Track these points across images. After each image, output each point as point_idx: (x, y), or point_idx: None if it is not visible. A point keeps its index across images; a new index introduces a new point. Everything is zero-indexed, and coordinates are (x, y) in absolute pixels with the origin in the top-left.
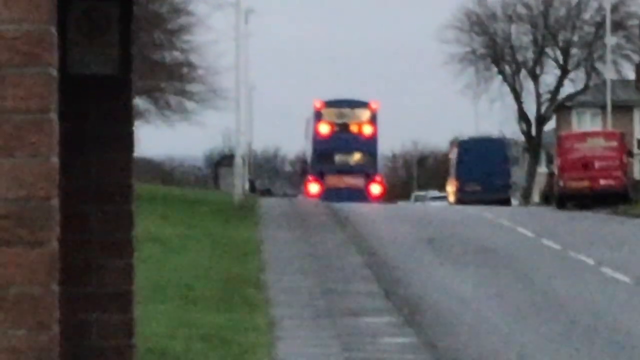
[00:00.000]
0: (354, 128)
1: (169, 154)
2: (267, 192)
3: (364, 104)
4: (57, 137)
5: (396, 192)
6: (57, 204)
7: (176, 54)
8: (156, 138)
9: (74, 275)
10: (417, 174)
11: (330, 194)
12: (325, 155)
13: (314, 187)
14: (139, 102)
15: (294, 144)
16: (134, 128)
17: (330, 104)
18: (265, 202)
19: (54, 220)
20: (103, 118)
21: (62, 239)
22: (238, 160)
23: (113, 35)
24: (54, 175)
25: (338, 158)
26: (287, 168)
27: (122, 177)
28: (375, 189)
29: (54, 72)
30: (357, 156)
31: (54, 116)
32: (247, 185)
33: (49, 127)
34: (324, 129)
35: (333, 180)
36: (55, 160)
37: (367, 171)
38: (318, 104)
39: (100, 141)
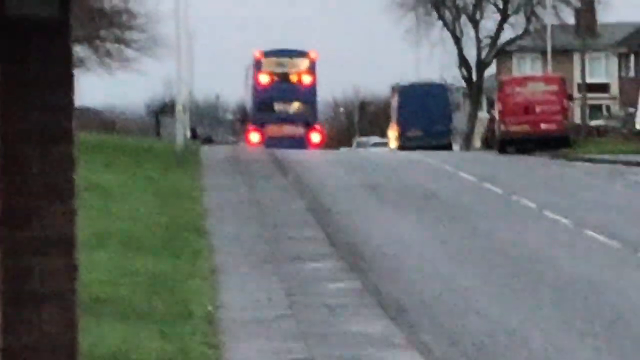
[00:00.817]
0: (293, 78)
1: (110, 102)
2: (209, 140)
3: (303, 54)
4: None
5: (338, 138)
6: None
7: (115, 1)
8: (97, 87)
9: (15, 219)
10: (359, 120)
11: (270, 143)
12: (265, 105)
13: (254, 136)
14: (79, 50)
15: (236, 91)
16: (73, 71)
17: (269, 53)
18: (207, 150)
19: None
20: (42, 60)
21: (3, 183)
22: (179, 108)
23: None
24: None
25: (278, 107)
26: (229, 116)
27: (63, 120)
28: (315, 137)
29: None
30: (296, 105)
31: None
32: (188, 133)
33: None
34: (264, 78)
35: (273, 130)
36: None
37: (307, 120)
38: (257, 54)
39: (40, 84)
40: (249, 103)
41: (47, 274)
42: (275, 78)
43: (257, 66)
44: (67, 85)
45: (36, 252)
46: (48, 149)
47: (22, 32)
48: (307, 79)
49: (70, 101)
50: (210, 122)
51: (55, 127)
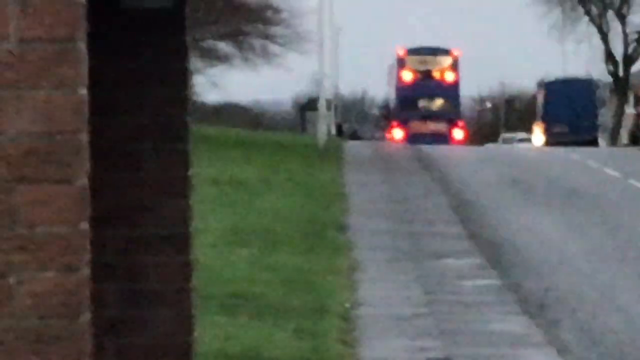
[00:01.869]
0: (436, 75)
1: (257, 98)
2: (355, 136)
3: (445, 52)
4: (86, 68)
5: (484, 134)
6: (86, 139)
7: None
8: (244, 83)
9: (128, 217)
10: (505, 116)
11: (413, 139)
12: (408, 102)
13: (397, 133)
14: (223, 46)
15: (382, 87)
16: (188, 64)
17: (412, 51)
18: (350, 146)
19: (83, 155)
20: (157, 53)
21: (117, 179)
22: (322, 103)
23: None
24: (83, 108)
25: (421, 104)
26: (375, 111)
27: (177, 115)
28: (458, 134)
29: None
30: (439, 102)
31: (81, 45)
32: (333, 129)
33: (76, 57)
34: (407, 76)
35: (417, 126)
36: (83, 92)
37: (450, 117)
38: (401, 52)
39: (154, 78)
40: (392, 99)
41: (162, 272)
42: (419, 75)
43: (401, 63)
44: (182, 80)
45: (150, 250)
46: (162, 145)
47: (137, 24)
48: (450, 77)
49: (186, 96)
50: (356, 118)
51: (169, 123)
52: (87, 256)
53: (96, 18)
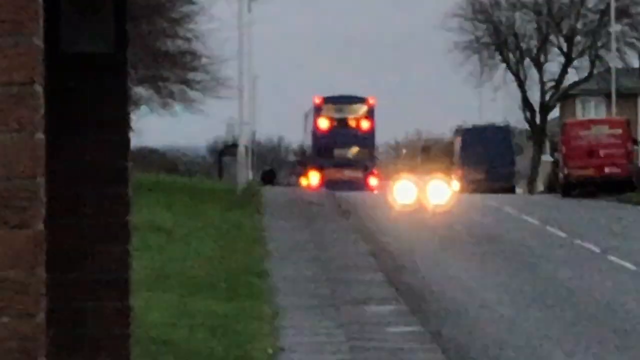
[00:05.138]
0: (352, 123)
1: (173, 143)
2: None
3: (361, 100)
4: (43, 111)
5: None
6: (42, 183)
7: (179, 42)
8: (160, 128)
9: (69, 262)
10: (421, 163)
11: (329, 186)
12: (324, 150)
13: (314, 179)
14: (142, 90)
15: (299, 134)
16: (130, 109)
17: (329, 99)
18: (268, 192)
19: (40, 200)
20: (98, 97)
21: (57, 224)
22: (241, 149)
23: (108, 11)
24: (39, 152)
25: (337, 152)
26: (291, 158)
27: (118, 159)
28: (373, 181)
29: (39, 42)
30: (355, 150)
31: (39, 89)
32: (250, 175)
33: (33, 100)
34: (324, 124)
35: (332, 173)
36: (40, 136)
37: (365, 164)
38: (317, 100)
39: (95, 121)
40: (309, 147)
41: (102, 317)
42: (335, 123)
43: (317, 111)
44: (122, 123)
45: (90, 295)
46: (103, 190)
47: (78, 69)
48: (365, 125)
49: (126, 140)
50: (272, 164)
51: (110, 167)
52: (44, 301)
53: None
